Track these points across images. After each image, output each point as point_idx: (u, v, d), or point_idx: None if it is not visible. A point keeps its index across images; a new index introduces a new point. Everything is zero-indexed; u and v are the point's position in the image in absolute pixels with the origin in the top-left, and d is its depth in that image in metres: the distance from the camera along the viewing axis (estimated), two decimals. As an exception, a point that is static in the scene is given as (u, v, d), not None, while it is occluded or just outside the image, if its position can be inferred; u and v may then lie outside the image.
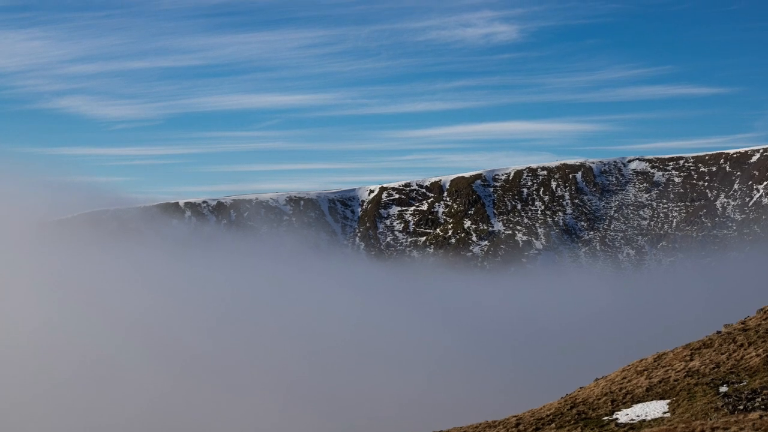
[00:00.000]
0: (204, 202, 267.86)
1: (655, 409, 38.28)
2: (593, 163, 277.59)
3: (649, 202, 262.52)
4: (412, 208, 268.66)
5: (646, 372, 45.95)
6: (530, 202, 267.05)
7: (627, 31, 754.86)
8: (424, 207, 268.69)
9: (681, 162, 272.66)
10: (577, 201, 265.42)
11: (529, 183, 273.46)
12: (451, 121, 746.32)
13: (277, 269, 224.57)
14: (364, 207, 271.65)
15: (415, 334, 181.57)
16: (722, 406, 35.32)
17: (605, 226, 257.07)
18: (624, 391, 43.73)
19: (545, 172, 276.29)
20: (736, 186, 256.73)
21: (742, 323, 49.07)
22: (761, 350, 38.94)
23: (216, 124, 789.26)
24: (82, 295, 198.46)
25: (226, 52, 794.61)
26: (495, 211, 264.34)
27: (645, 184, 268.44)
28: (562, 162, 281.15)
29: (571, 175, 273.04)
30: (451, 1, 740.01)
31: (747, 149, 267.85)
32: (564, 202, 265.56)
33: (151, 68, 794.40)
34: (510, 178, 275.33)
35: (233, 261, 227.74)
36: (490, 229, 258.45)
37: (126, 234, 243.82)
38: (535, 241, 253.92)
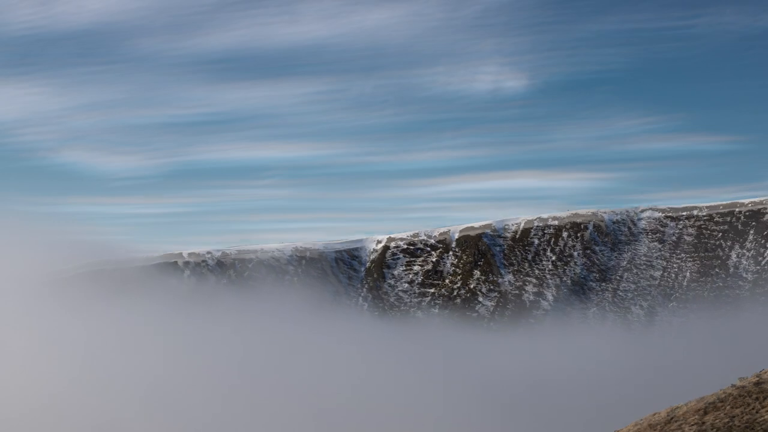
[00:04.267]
0: (207, 253, 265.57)
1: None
2: (605, 213, 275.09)
3: (661, 256, 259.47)
4: (419, 261, 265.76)
5: (659, 426, 43.41)
6: (540, 255, 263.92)
7: (638, 81, 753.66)
8: (432, 260, 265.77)
9: (693, 216, 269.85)
10: (588, 253, 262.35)
11: (539, 237, 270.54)
12: (459, 172, 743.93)
13: (281, 325, 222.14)
14: (370, 260, 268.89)
15: (422, 394, 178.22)
16: (736, 463, 31.97)
17: (617, 278, 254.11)
18: (634, 447, 40.71)
19: (555, 225, 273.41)
20: (749, 241, 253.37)
21: (757, 377, 46.03)
22: None
23: (219, 177, 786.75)
24: (82, 352, 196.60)
25: (229, 104, 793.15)
26: (504, 263, 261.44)
27: (657, 235, 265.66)
28: (573, 213, 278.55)
29: (581, 229, 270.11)
30: (458, 51, 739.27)
31: (762, 199, 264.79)
32: (575, 255, 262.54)
33: (152, 120, 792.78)
34: (519, 232, 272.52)
35: (236, 316, 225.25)
36: (500, 279, 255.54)
37: (127, 289, 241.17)
38: (544, 295, 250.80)
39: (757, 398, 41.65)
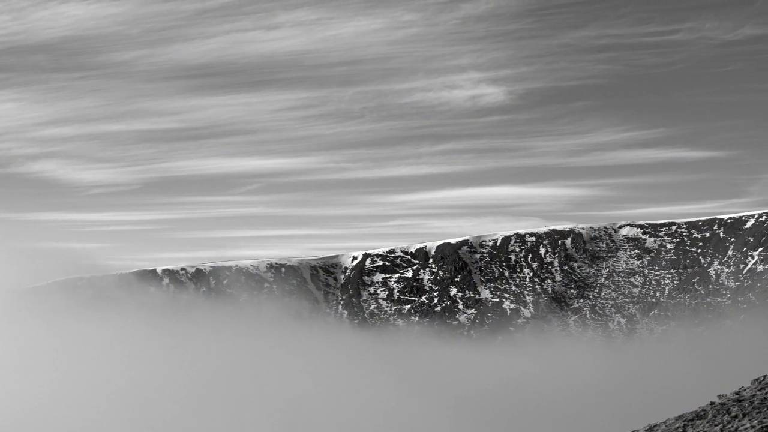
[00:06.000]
0: (182, 269, 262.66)
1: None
2: (583, 228, 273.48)
3: (641, 269, 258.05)
4: (397, 276, 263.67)
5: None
6: (518, 269, 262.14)
7: (618, 92, 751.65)
8: (409, 274, 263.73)
9: (673, 228, 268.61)
10: (566, 268, 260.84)
11: (517, 249, 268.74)
12: (437, 185, 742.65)
13: (257, 338, 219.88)
14: (347, 274, 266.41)
15: (400, 407, 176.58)
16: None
17: (595, 294, 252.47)
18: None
19: (533, 238, 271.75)
20: (730, 252, 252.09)
21: (737, 394, 43.98)
22: (756, 422, 34.23)
23: (195, 189, 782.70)
24: (57, 364, 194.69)
25: (206, 115, 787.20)
26: (482, 278, 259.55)
27: (636, 251, 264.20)
28: (551, 228, 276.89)
29: (560, 242, 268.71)
30: (436, 63, 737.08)
31: (741, 215, 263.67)
32: (553, 269, 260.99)
33: (128, 131, 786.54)
34: (497, 245, 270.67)
35: (212, 329, 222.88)
36: (477, 296, 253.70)
37: (102, 302, 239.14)
38: (523, 309, 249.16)
39: (736, 416, 39.55)
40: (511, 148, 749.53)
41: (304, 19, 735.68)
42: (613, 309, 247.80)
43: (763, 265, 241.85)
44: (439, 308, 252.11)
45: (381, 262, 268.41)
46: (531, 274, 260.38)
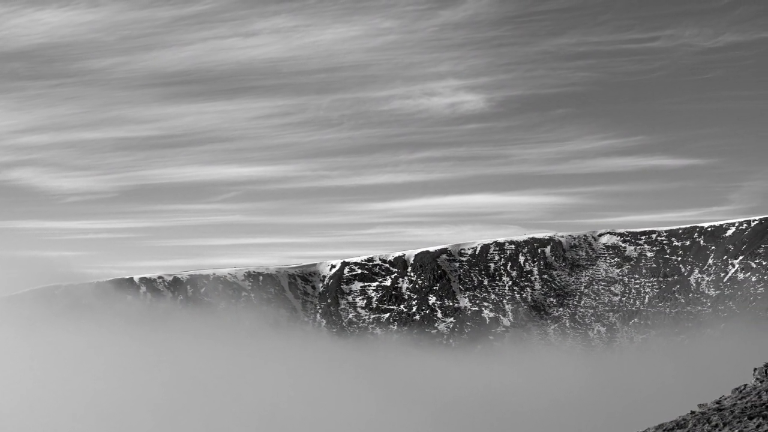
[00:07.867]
0: (159, 277, 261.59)
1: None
2: (562, 236, 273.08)
3: (621, 277, 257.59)
4: (375, 284, 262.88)
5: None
6: (497, 278, 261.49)
7: (597, 100, 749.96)
8: (388, 282, 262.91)
9: (653, 236, 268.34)
10: (545, 276, 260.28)
11: (497, 258, 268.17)
12: (416, 193, 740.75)
13: (235, 346, 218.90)
14: (325, 283, 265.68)
15: (379, 417, 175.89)
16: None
17: (575, 302, 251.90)
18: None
19: (513, 247, 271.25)
20: (710, 261, 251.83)
21: (717, 403, 43.02)
22: (737, 431, 33.28)
23: (172, 197, 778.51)
24: (33, 373, 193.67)
25: (182, 122, 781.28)
26: (461, 286, 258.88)
27: (616, 259, 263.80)
28: (530, 236, 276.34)
29: (539, 250, 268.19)
30: (415, 70, 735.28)
31: (722, 223, 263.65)
32: (532, 278, 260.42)
33: (104, 139, 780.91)
34: (476, 253, 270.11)
35: (190, 338, 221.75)
36: (456, 305, 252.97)
37: (79, 310, 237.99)
38: (502, 317, 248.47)
39: (716, 425, 38.59)
40: (490, 156, 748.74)
41: (281, 27, 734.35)
42: (592, 317, 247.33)
43: (744, 274, 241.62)
44: (417, 317, 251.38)
45: (359, 271, 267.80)
46: (510, 283, 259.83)
